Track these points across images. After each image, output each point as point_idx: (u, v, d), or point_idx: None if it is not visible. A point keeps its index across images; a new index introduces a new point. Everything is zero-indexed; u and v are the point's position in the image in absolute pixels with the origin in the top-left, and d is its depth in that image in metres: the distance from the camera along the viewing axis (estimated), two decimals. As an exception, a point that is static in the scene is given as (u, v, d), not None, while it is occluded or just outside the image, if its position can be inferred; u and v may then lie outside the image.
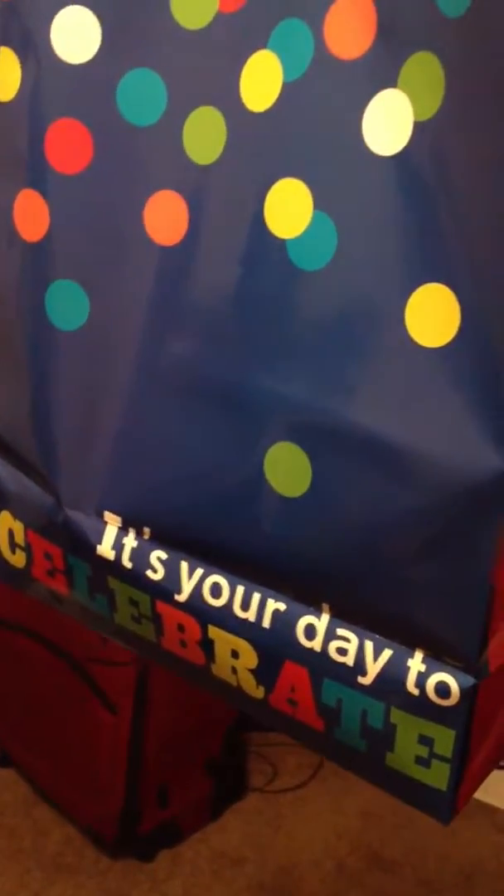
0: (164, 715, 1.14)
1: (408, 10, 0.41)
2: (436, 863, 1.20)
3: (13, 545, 0.64)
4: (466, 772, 0.49)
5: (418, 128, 0.41)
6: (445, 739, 0.47)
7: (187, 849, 1.21)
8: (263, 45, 0.46)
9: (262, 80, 0.46)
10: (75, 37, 0.50)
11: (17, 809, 1.26)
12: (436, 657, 0.47)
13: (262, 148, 0.47)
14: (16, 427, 0.59)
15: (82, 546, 0.58)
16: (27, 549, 0.63)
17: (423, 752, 0.48)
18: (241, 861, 1.20)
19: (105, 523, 0.57)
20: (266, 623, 0.52)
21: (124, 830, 1.17)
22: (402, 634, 0.48)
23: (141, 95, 0.50)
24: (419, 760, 0.49)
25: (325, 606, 0.50)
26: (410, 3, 0.41)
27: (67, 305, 0.54)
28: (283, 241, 0.46)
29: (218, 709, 1.21)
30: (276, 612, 0.51)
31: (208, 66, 0.48)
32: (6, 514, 0.63)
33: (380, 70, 0.42)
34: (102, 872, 1.17)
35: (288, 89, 0.45)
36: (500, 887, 1.16)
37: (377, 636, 0.49)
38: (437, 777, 0.48)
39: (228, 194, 0.48)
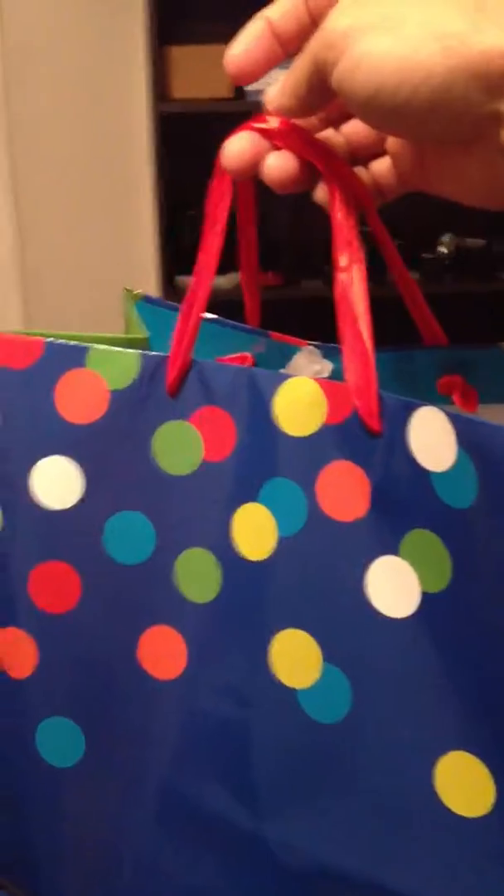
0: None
1: (403, 491, 0.42)
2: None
3: None
4: None
5: (427, 598, 0.41)
6: None
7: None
8: (254, 499, 0.46)
9: (255, 531, 0.46)
10: (57, 484, 0.49)
11: None
12: None
13: (262, 596, 0.46)
14: (9, 866, 0.55)
15: None
16: None
17: None
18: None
19: None
20: None
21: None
22: None
23: (128, 536, 0.49)
24: None
25: None
26: (406, 485, 0.41)
27: (61, 742, 0.51)
28: (293, 690, 0.45)
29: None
30: None
31: (196, 511, 0.48)
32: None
33: (378, 537, 0.43)
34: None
35: (284, 543, 0.45)
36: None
37: None
38: None
39: (229, 636, 0.47)
